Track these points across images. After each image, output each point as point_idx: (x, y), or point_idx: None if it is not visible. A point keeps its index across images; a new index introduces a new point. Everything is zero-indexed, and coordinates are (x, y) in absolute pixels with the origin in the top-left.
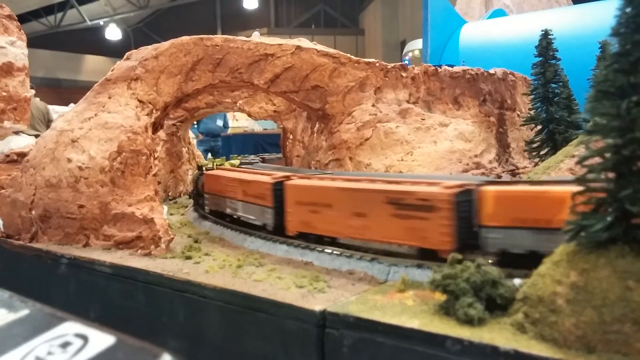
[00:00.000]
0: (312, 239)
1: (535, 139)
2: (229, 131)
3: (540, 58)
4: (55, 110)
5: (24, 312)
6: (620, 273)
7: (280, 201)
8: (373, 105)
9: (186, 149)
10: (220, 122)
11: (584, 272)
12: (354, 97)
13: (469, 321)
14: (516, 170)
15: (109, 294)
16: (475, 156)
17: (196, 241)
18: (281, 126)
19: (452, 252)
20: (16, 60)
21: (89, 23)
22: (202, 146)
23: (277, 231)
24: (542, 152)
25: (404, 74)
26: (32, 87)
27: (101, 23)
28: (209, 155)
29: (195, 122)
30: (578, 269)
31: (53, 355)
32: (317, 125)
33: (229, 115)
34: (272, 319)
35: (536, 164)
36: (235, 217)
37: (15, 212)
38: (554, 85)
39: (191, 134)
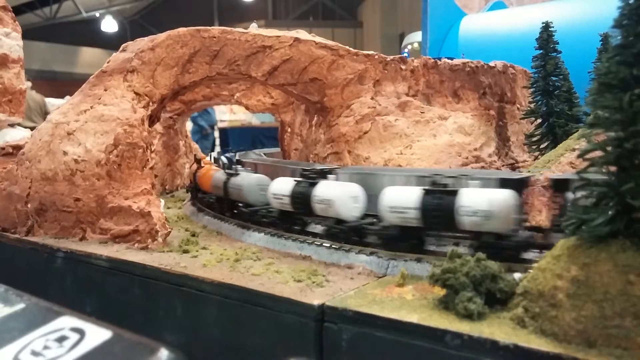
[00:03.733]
0: None
1: (536, 133)
2: (227, 124)
3: (541, 51)
4: (51, 102)
5: (20, 306)
6: (621, 267)
7: None
8: (372, 98)
9: (183, 142)
10: (214, 113)
11: (585, 266)
12: (352, 89)
13: (468, 315)
14: (516, 164)
15: (106, 288)
16: (475, 150)
17: (194, 235)
18: (279, 119)
19: None
20: (11, 52)
21: (85, 15)
22: (209, 140)
23: None
24: (542, 146)
25: (403, 67)
26: (28, 80)
27: (97, 15)
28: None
29: (196, 116)
30: (579, 263)
31: (49, 350)
32: (315, 118)
33: (227, 108)
34: (270, 313)
35: (536, 158)
36: None
37: (11, 205)
38: (554, 78)
39: (189, 126)
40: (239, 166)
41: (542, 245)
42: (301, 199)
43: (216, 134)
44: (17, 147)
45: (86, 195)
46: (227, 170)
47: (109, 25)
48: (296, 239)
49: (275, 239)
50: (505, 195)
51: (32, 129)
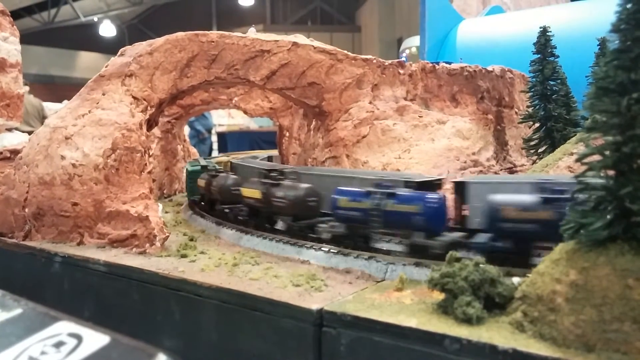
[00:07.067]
0: None
1: (534, 137)
2: (225, 129)
3: (539, 55)
4: (48, 107)
5: (17, 311)
6: (620, 271)
7: None
8: (370, 103)
9: (181, 146)
10: (211, 117)
11: (584, 270)
12: (350, 94)
13: (467, 320)
14: (514, 168)
15: (104, 293)
16: (473, 154)
17: (192, 239)
18: (277, 123)
19: None
20: (9, 56)
21: (83, 19)
22: (206, 144)
23: None
24: (540, 150)
25: (401, 71)
26: (25, 84)
27: (95, 19)
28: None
29: (193, 120)
30: (577, 267)
31: (47, 355)
32: (313, 123)
33: (225, 112)
34: (269, 317)
35: (534, 162)
36: None
37: (9, 209)
38: (552, 83)
39: (186, 130)
40: None
41: None
42: None
43: (214, 138)
44: (15, 152)
45: (84, 199)
46: None
47: (107, 29)
48: (295, 243)
49: (274, 243)
50: None
51: (29, 133)
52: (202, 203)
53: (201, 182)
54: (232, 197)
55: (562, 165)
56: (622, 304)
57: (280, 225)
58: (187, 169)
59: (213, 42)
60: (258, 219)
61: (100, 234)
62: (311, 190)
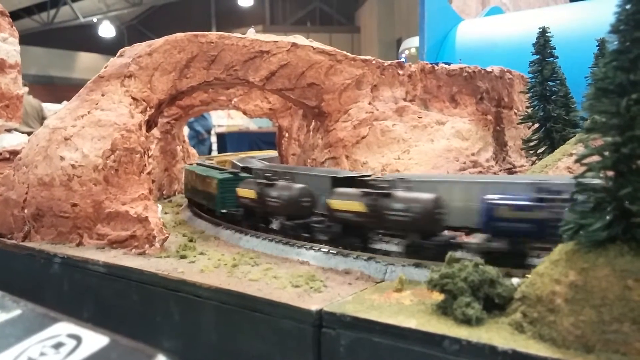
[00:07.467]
0: None
1: (533, 137)
2: (225, 129)
3: (538, 56)
4: (48, 108)
5: (16, 312)
6: (619, 272)
7: None
8: (369, 103)
9: (181, 147)
10: (210, 118)
11: (583, 271)
12: (350, 94)
13: (466, 321)
14: (513, 169)
15: (103, 294)
16: (473, 154)
17: (191, 240)
18: (277, 124)
19: None
20: (8, 57)
21: (82, 20)
22: (205, 145)
23: None
24: (539, 151)
25: (400, 72)
26: (25, 85)
27: (94, 20)
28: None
29: (192, 121)
30: (577, 268)
31: (46, 356)
32: (313, 123)
33: (224, 113)
34: (268, 318)
35: (533, 163)
36: None
37: (8, 210)
38: (551, 83)
39: (185, 131)
40: None
41: None
42: None
43: (213, 139)
44: (14, 152)
45: (83, 200)
46: None
47: (107, 30)
48: (294, 244)
49: (273, 244)
50: None
51: (29, 134)
52: (248, 217)
53: (247, 193)
54: (302, 210)
55: (562, 166)
56: (622, 304)
57: (389, 243)
58: (218, 178)
59: (212, 42)
60: (357, 237)
61: (100, 234)
62: (439, 202)
